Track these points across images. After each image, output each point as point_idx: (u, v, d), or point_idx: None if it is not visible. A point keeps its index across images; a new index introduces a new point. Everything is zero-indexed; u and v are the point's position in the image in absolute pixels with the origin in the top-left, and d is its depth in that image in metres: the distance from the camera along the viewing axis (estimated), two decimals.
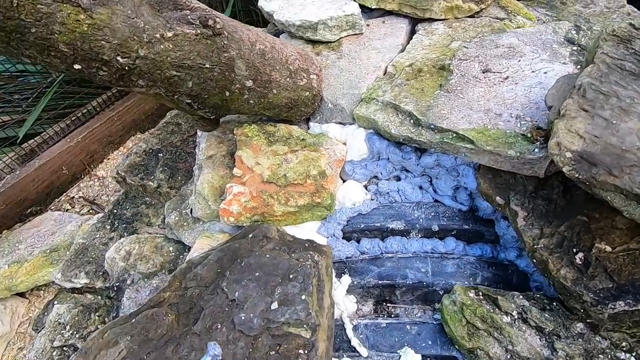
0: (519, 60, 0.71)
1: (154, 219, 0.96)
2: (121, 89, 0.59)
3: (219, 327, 0.51)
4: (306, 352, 0.47)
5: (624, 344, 0.45)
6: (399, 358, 0.53)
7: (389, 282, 0.59)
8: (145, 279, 0.75)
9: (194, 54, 0.58)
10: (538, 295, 0.51)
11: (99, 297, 0.87)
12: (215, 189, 0.77)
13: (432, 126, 0.63)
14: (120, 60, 0.53)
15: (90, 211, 1.23)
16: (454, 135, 0.60)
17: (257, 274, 0.54)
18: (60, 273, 0.86)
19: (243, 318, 0.50)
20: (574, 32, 0.89)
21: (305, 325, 0.49)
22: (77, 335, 0.79)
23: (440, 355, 0.52)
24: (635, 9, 1.08)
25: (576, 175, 0.39)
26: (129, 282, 0.74)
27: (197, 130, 0.90)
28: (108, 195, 1.27)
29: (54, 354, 0.79)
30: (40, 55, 0.49)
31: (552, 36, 0.83)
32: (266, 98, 0.72)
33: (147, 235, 0.84)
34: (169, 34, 0.55)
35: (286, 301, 0.51)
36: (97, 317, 0.82)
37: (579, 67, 0.72)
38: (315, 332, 0.48)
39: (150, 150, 1.04)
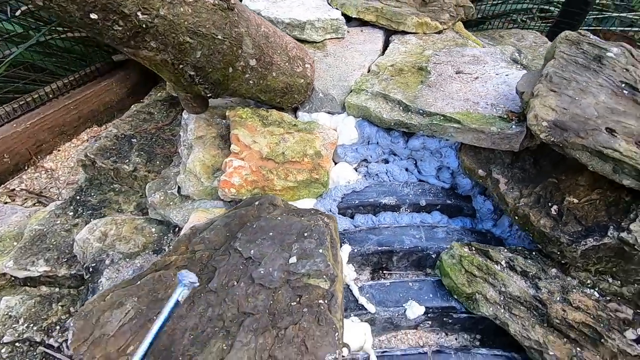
0: (484, 66, 0.84)
1: (125, 206, 0.90)
2: (125, 49, 0.58)
3: (235, 283, 0.50)
4: (326, 301, 0.49)
5: (588, 281, 0.54)
6: (405, 311, 0.57)
7: (387, 248, 0.64)
8: (127, 259, 0.70)
9: (209, 22, 0.60)
10: (520, 248, 0.59)
11: (58, 287, 0.78)
12: (207, 167, 0.76)
13: (420, 111, 0.71)
14: (140, 16, 0.53)
15: (37, 204, 1.10)
16: (442, 117, 0.68)
17: (271, 234, 0.55)
18: (13, 261, 0.76)
19: (262, 272, 0.50)
20: (517, 54, 1.07)
21: (324, 276, 0.50)
22: (34, 328, 0.69)
23: (440, 306, 0.57)
24: None
25: (552, 139, 0.48)
26: (107, 262, 0.69)
27: (183, 114, 0.88)
28: (58, 189, 1.15)
29: (3, 350, 0.68)
30: (58, 0, 0.47)
31: (501, 55, 0.99)
32: (265, 80, 0.75)
33: (124, 217, 0.79)
34: None
35: (304, 255, 0.52)
36: (60, 307, 0.73)
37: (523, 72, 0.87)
38: (334, 282, 0.50)
39: (123, 136, 0.98)
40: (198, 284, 0.42)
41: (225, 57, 0.66)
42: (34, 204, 1.11)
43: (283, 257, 0.52)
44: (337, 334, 0.46)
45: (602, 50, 0.56)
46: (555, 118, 0.48)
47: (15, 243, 0.87)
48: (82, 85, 1.29)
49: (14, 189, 1.15)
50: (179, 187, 0.77)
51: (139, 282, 0.51)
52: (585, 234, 0.51)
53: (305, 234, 0.55)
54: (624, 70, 0.54)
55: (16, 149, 1.13)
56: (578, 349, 0.49)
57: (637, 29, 2.15)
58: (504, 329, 0.53)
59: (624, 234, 0.48)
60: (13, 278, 0.81)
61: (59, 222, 0.85)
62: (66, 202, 0.90)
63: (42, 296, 0.75)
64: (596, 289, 0.54)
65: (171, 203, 0.76)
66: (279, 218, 0.58)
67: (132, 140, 0.97)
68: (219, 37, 0.62)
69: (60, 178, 1.19)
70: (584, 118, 0.48)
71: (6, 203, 1.11)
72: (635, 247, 0.47)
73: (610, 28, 2.07)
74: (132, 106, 1.26)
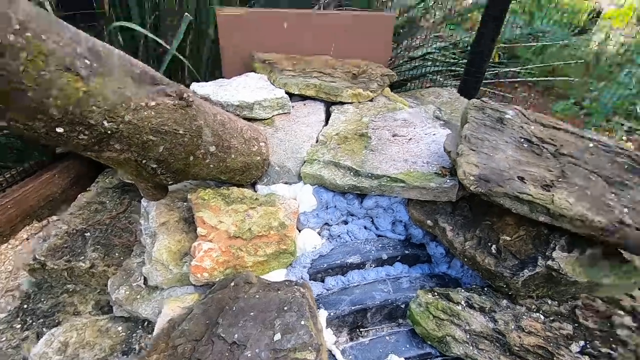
0: (414, 128, 0.98)
1: (82, 307, 0.84)
2: (90, 153, 0.59)
3: None
4: None
5: (533, 306, 0.63)
6: None
7: (361, 306, 0.68)
8: None
9: (171, 120, 0.65)
10: (474, 286, 0.67)
11: None
12: (174, 253, 0.76)
13: (369, 174, 0.80)
14: (106, 124, 0.56)
15: None
16: (388, 178, 0.78)
17: (252, 313, 0.57)
18: None
19: (249, 355, 0.51)
20: (437, 112, 1.26)
21: (310, 347, 0.53)
22: None
23: (417, 354, 0.61)
24: (466, 100, 1.58)
25: (480, 190, 0.58)
26: None
27: (142, 201, 0.88)
28: None
29: None
30: (24, 119, 0.49)
31: (425, 114, 1.16)
32: (225, 162, 0.80)
33: (85, 320, 0.74)
34: (152, 103, 0.61)
35: (287, 330, 0.54)
36: None
37: (447, 130, 1.03)
38: (319, 352, 0.53)
39: (74, 231, 0.94)
40: None
41: (187, 147, 0.71)
42: None
43: (267, 336, 0.54)
44: None
45: (501, 113, 0.70)
46: (479, 172, 0.59)
47: None
48: (21, 180, 1.23)
49: None
50: (145, 278, 0.76)
51: None
52: (521, 267, 0.60)
53: (285, 308, 0.58)
54: (520, 128, 0.66)
55: None
56: None
57: (522, 78, 2.61)
58: None
59: (549, 262, 0.58)
60: None
61: (4, 338, 0.77)
62: (11, 313, 0.82)
63: None
64: (540, 312, 0.62)
65: (138, 297, 0.74)
66: (257, 296, 0.60)
67: (86, 234, 0.94)
68: (180, 132, 0.67)
69: None
70: (499, 170, 0.59)
71: None
72: (560, 272, 0.57)
73: (503, 80, 2.49)
74: (79, 196, 1.21)
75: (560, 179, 0.58)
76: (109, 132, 0.57)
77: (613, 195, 0.55)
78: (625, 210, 0.55)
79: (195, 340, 0.55)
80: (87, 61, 0.52)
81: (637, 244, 0.54)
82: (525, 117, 0.71)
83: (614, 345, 0.59)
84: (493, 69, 2.50)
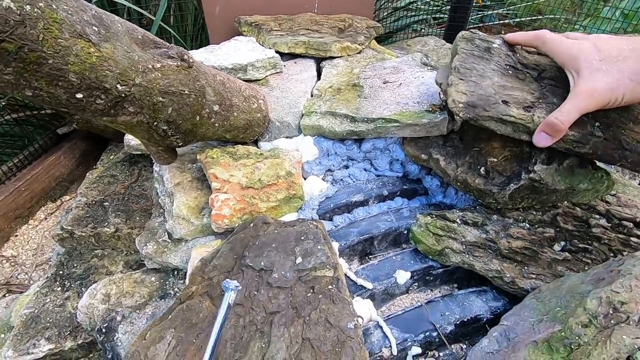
0: (403, 74, 1.03)
1: (112, 267, 0.92)
2: (105, 119, 0.64)
3: (255, 292, 0.58)
4: (334, 285, 0.59)
5: (520, 217, 0.71)
6: (395, 280, 0.69)
7: (368, 235, 0.76)
8: (137, 311, 0.73)
9: (176, 81, 0.69)
10: (467, 207, 0.75)
11: None
12: (193, 208, 0.83)
13: (365, 119, 0.86)
14: (119, 87, 0.60)
15: (7, 295, 1.05)
16: (383, 120, 0.83)
17: (274, 245, 0.64)
18: (12, 350, 0.75)
19: (276, 277, 0.59)
20: (425, 59, 1.29)
21: (328, 266, 0.61)
22: None
23: (421, 268, 0.70)
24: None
25: (468, 116, 0.64)
26: (118, 318, 0.72)
27: (154, 167, 0.94)
28: (26, 273, 1.11)
29: None
30: (47, 86, 0.54)
31: (413, 61, 1.19)
32: (228, 121, 0.85)
33: (121, 275, 0.82)
34: (158, 65, 0.65)
35: (307, 254, 0.62)
36: None
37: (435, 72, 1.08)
38: (336, 269, 0.61)
39: (93, 202, 1.00)
40: (241, 287, 0.50)
41: (193, 107, 0.75)
42: (3, 295, 1.06)
43: (290, 260, 0.62)
44: (350, 306, 0.56)
45: (489, 42, 0.71)
46: (467, 100, 0.64)
47: (2, 335, 0.85)
48: (29, 164, 1.27)
49: None
50: (169, 234, 0.83)
51: (170, 316, 0.57)
52: (507, 182, 0.68)
53: (302, 238, 0.65)
54: (506, 56, 0.69)
55: None
56: (525, 267, 0.64)
57: (508, 20, 2.60)
58: (472, 273, 0.67)
59: (531, 175, 0.65)
60: None
61: (48, 300, 0.84)
62: (49, 279, 0.90)
63: None
64: (526, 222, 0.71)
65: (165, 249, 0.81)
66: (275, 231, 0.68)
67: (104, 204, 1.00)
68: (186, 92, 0.72)
69: (26, 263, 1.15)
70: (486, 96, 0.64)
71: None
72: (541, 182, 0.65)
73: (489, 23, 2.48)
74: (87, 174, 1.26)
75: (540, 100, 0.63)
76: (122, 95, 0.62)
77: (590, 115, 0.61)
78: (597, 124, 0.61)
79: (227, 272, 0.63)
80: (95, 28, 0.56)
81: (606, 153, 0.61)
82: (510, 46, 0.73)
83: (589, 242, 0.68)
84: (479, 12, 2.48)
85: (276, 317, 0.55)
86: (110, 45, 0.58)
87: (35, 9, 0.48)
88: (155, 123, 0.72)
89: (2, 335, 0.83)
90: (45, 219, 1.25)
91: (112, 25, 0.60)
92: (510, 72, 0.68)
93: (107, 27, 0.58)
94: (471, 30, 0.77)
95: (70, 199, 1.34)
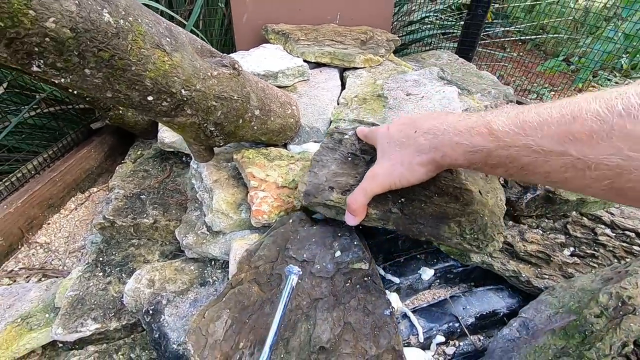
0: (425, 87, 1.10)
1: (149, 257, 0.98)
2: (164, 119, 0.71)
3: (300, 281, 0.65)
4: (369, 277, 0.66)
5: (534, 224, 0.78)
6: (420, 276, 0.76)
7: (392, 235, 0.83)
8: (180, 295, 0.80)
9: (228, 87, 0.76)
10: None
11: (107, 342, 0.84)
12: (231, 203, 0.90)
13: None
14: (183, 92, 0.67)
15: (43, 279, 1.11)
16: None
17: (314, 239, 0.71)
18: (61, 327, 0.81)
19: (318, 267, 0.66)
20: (441, 72, 1.37)
21: (364, 260, 0.68)
22: None
23: (444, 266, 0.77)
24: (466, 61, 1.68)
25: (305, 203, 0.69)
26: (164, 302, 0.78)
27: (192, 164, 1.01)
28: (60, 259, 1.17)
29: None
30: (126, 89, 0.60)
31: (431, 75, 1.27)
32: (266, 124, 0.92)
33: (162, 262, 0.88)
34: (215, 73, 0.72)
35: (344, 249, 0.69)
36: (121, 356, 0.79)
37: (454, 87, 1.15)
38: (371, 263, 0.68)
39: (131, 195, 1.07)
40: (301, 272, 0.57)
41: (238, 111, 0.82)
42: (39, 280, 1.12)
43: (329, 254, 0.68)
44: (385, 296, 0.63)
45: (342, 135, 0.78)
46: (305, 189, 0.69)
47: (47, 315, 0.91)
48: (62, 156, 1.33)
49: (12, 270, 1.14)
50: (208, 227, 0.89)
51: (224, 299, 0.64)
52: (525, 192, 0.75)
53: (339, 234, 0.72)
54: (352, 145, 0.75)
55: (9, 230, 1.14)
56: (539, 268, 0.72)
57: (514, 37, 2.70)
58: (487, 273, 0.75)
59: (547, 186, 0.73)
60: (60, 345, 0.84)
61: (91, 284, 0.91)
62: (90, 265, 0.96)
63: (99, 352, 0.81)
64: (539, 228, 0.78)
65: (204, 241, 0.88)
66: (314, 227, 0.74)
67: (141, 196, 1.06)
68: (235, 97, 0.79)
69: (59, 249, 1.20)
70: (318, 184, 0.69)
71: (9, 285, 1.10)
72: (555, 193, 0.72)
73: (494, 40, 2.58)
74: (117, 167, 1.33)
75: (358, 182, 0.66)
76: (184, 99, 0.69)
77: (397, 190, 0.64)
78: (402, 199, 0.65)
79: (272, 262, 0.69)
80: (168, 39, 0.63)
81: (405, 228, 0.66)
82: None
83: (596, 248, 0.75)
84: (487, 29, 2.58)
85: (320, 303, 0.62)
86: (179, 55, 0.64)
87: (127, 23, 0.54)
88: (205, 124, 0.78)
89: (47, 315, 0.89)
90: (76, 209, 1.31)
91: (179, 36, 0.67)
92: (349, 159, 0.73)
93: (176, 38, 0.65)
94: (336, 127, 0.83)
95: (98, 190, 1.40)
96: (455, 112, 0.57)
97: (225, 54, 0.78)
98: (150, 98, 0.64)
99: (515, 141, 0.38)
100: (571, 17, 2.64)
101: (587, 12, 2.81)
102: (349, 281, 0.65)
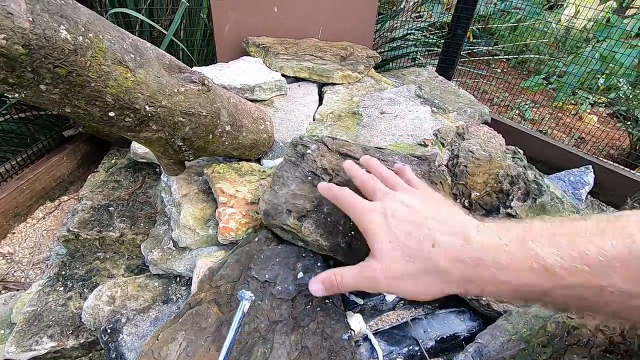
0: (399, 106, 1.12)
1: (114, 271, 0.96)
2: (129, 134, 0.70)
3: (260, 302, 0.64)
4: (330, 300, 0.66)
5: None
6: (384, 297, 0.76)
7: None
8: (141, 314, 0.78)
9: (196, 104, 0.76)
10: None
11: None
12: (199, 219, 0.88)
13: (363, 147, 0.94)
14: (147, 108, 0.67)
15: (3, 291, 1.07)
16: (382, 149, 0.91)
17: (277, 259, 0.71)
18: (14, 345, 0.78)
19: (279, 289, 0.66)
20: (419, 90, 1.40)
21: None
22: None
23: None
24: (445, 79, 1.72)
25: (266, 223, 0.69)
26: (123, 320, 0.76)
27: (162, 177, 0.99)
28: (23, 271, 1.13)
29: None
30: (85, 105, 0.59)
31: (408, 93, 1.29)
32: (237, 140, 0.91)
33: (125, 278, 0.86)
34: (182, 89, 0.72)
35: (307, 269, 0.69)
36: None
37: (427, 106, 1.17)
38: None
39: (99, 206, 1.04)
40: (254, 297, 0.56)
41: (208, 127, 0.81)
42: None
43: (292, 275, 0.68)
44: (345, 319, 0.63)
45: (306, 147, 0.75)
46: (265, 208, 0.69)
47: (1, 331, 0.87)
48: (32, 163, 1.30)
49: None
50: (174, 242, 0.88)
51: (180, 320, 0.62)
52: (487, 215, 0.76)
53: (303, 255, 0.72)
54: (313, 162, 0.72)
55: None
56: None
57: (496, 55, 2.77)
58: (453, 295, 0.75)
59: (508, 210, 0.74)
60: None
61: (51, 299, 0.88)
62: (52, 279, 0.93)
63: None
64: None
65: (170, 257, 0.86)
66: (279, 247, 0.74)
67: (110, 208, 1.04)
68: (203, 113, 0.78)
69: (23, 260, 1.17)
70: (277, 205, 0.69)
71: None
72: (516, 216, 0.74)
73: (477, 59, 2.65)
74: (89, 176, 1.30)
75: (315, 209, 0.67)
76: (149, 115, 0.68)
77: (349, 220, 0.62)
78: (352, 232, 0.66)
79: (233, 282, 0.68)
80: (132, 55, 0.62)
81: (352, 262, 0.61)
82: (325, 149, 0.75)
83: None
84: (469, 47, 2.64)
85: (278, 326, 0.61)
86: (143, 71, 0.64)
87: (86, 39, 0.54)
88: (172, 139, 0.78)
89: (3, 332, 0.86)
90: (44, 218, 1.28)
91: (145, 52, 0.66)
92: (309, 178, 0.72)
93: (142, 54, 0.65)
94: (301, 136, 0.80)
95: (69, 199, 1.37)
96: (470, 217, 0.46)
97: (195, 70, 0.78)
98: (112, 114, 0.63)
99: (580, 281, 0.32)
100: (552, 37, 2.73)
101: (567, 32, 2.91)
102: (310, 303, 0.65)
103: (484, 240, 0.39)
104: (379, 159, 0.75)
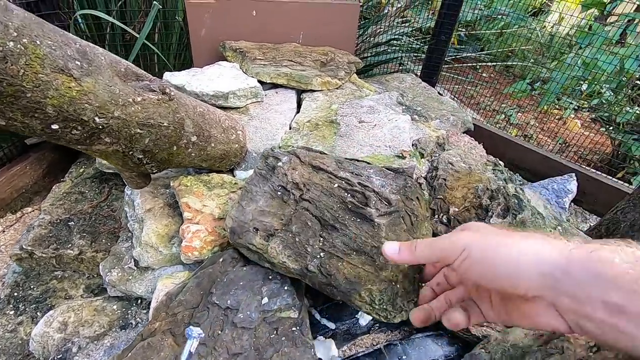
0: (379, 115, 1.08)
1: (72, 291, 0.89)
2: (79, 147, 0.64)
3: (220, 332, 0.59)
4: (298, 327, 0.61)
5: None
6: (358, 320, 0.71)
7: None
8: (95, 342, 0.72)
9: (156, 114, 0.70)
10: None
11: None
12: (162, 236, 0.83)
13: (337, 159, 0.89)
14: (97, 120, 0.61)
15: None
16: (356, 161, 0.87)
17: (241, 283, 0.65)
18: None
19: (242, 317, 0.60)
20: (401, 98, 1.36)
21: (293, 308, 0.62)
22: None
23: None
24: (430, 86, 1.69)
25: (232, 242, 0.65)
26: (74, 349, 0.70)
27: (126, 189, 0.93)
28: None
29: None
30: (22, 117, 0.54)
31: (389, 100, 1.25)
32: (205, 151, 0.86)
33: (81, 301, 0.80)
34: (139, 99, 0.66)
35: (273, 294, 0.64)
36: None
37: (409, 115, 1.14)
38: (301, 311, 0.63)
39: (58, 221, 0.97)
40: (204, 334, 0.50)
41: (171, 138, 0.76)
42: None
43: (256, 300, 0.63)
44: (312, 350, 0.58)
45: (277, 160, 0.70)
46: (232, 225, 0.65)
47: None
48: None
49: None
50: (135, 261, 0.82)
51: (129, 354, 0.56)
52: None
53: (270, 277, 0.66)
54: (284, 175, 0.67)
55: None
56: None
57: (482, 60, 2.77)
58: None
59: None
60: None
61: None
62: (2, 301, 0.86)
63: None
64: None
65: (130, 277, 0.80)
66: (244, 268, 0.69)
67: (70, 223, 0.97)
68: (165, 124, 0.73)
69: None
70: (243, 223, 0.65)
71: None
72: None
73: (463, 65, 2.64)
74: (54, 187, 1.23)
75: (283, 228, 0.63)
76: (100, 127, 0.62)
77: (320, 240, 0.61)
78: (321, 254, 0.61)
79: (193, 308, 0.63)
80: (77, 62, 0.57)
81: (321, 287, 0.62)
82: (298, 161, 0.70)
83: None
84: (455, 52, 2.63)
85: (239, 359, 0.56)
86: (91, 80, 0.58)
87: (19, 45, 0.48)
88: (130, 152, 0.72)
89: None
90: (3, 231, 1.20)
91: (95, 58, 0.61)
92: (279, 193, 0.67)
93: (90, 61, 0.59)
94: (273, 148, 0.76)
95: (33, 210, 1.29)
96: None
97: (155, 78, 0.72)
98: (55, 127, 0.57)
99: None
100: (537, 43, 2.74)
101: (552, 38, 2.92)
102: (275, 332, 0.60)
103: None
104: (352, 172, 0.71)
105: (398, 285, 0.58)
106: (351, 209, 0.63)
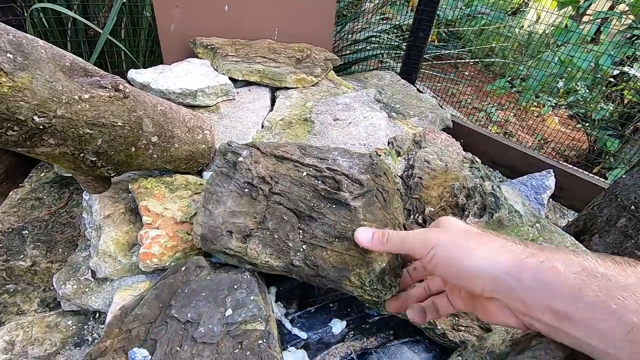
0: (354, 112, 1.04)
1: (25, 306, 0.82)
2: (19, 150, 0.58)
3: (178, 348, 0.54)
4: (265, 340, 0.57)
5: None
6: (331, 329, 0.67)
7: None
8: None
9: (108, 113, 0.64)
10: None
11: None
12: (122, 244, 0.77)
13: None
14: (37, 119, 0.55)
15: None
16: None
17: (204, 294, 0.61)
18: None
19: (203, 331, 0.56)
20: (378, 95, 1.33)
21: (259, 319, 0.58)
22: None
23: (358, 316, 0.69)
24: (409, 83, 1.67)
25: (205, 249, 0.61)
26: None
27: (84, 195, 0.86)
28: None
29: None
30: None
31: (367, 97, 1.22)
32: (169, 152, 0.81)
33: (31, 318, 0.73)
34: (86, 96, 0.61)
35: (238, 305, 0.59)
36: None
37: (386, 112, 1.11)
38: (268, 322, 0.58)
39: (10, 230, 0.90)
40: (150, 357, 0.45)
41: (127, 139, 0.70)
42: None
43: (219, 312, 0.58)
44: None
45: (237, 155, 0.65)
46: (201, 232, 0.61)
47: None
48: None
49: None
50: (92, 272, 0.76)
51: None
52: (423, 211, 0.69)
53: (235, 287, 0.62)
54: (247, 170, 0.63)
55: None
56: (456, 318, 0.66)
57: (462, 58, 2.78)
58: (408, 322, 0.68)
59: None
60: None
61: None
62: None
63: None
64: None
65: (87, 290, 0.74)
66: (208, 277, 0.64)
67: (23, 232, 0.90)
68: (119, 123, 0.67)
69: None
70: (214, 227, 0.61)
71: None
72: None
73: (443, 62, 2.64)
74: (11, 193, 1.15)
75: (259, 226, 0.59)
76: (40, 127, 0.56)
77: (299, 233, 0.58)
78: (304, 247, 0.58)
79: (149, 323, 0.58)
80: (10, 55, 0.51)
81: (309, 279, 0.60)
82: (259, 154, 0.65)
83: None
84: (436, 50, 2.63)
85: None
86: (27, 75, 0.53)
87: None
88: (81, 154, 0.66)
89: None
90: None
91: (34, 51, 0.55)
92: (246, 190, 0.63)
93: (26, 54, 0.53)
94: (229, 142, 0.68)
95: None
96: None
97: (107, 73, 0.67)
98: None
99: None
100: (516, 41, 2.77)
101: (530, 37, 2.95)
102: (239, 346, 0.55)
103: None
104: (317, 157, 0.67)
105: (384, 264, 0.55)
106: (325, 196, 0.60)
